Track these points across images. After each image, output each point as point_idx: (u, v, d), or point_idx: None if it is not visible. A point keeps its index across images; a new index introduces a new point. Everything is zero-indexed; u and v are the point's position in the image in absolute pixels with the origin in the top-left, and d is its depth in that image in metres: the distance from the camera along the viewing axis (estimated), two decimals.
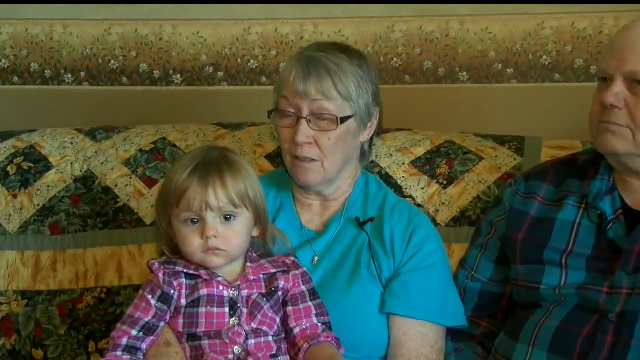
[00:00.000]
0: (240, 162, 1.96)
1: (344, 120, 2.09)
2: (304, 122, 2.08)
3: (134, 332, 1.90)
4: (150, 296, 1.91)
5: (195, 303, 1.90)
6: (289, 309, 1.97)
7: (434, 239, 2.16)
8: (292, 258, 2.03)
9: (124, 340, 1.90)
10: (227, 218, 1.91)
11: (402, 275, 2.09)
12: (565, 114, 2.89)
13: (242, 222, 1.93)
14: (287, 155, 2.14)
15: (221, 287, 1.91)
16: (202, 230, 1.90)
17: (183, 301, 1.91)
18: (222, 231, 1.90)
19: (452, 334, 2.16)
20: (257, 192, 1.96)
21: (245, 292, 1.92)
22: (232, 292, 1.91)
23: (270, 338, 1.92)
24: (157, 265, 1.93)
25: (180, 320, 1.91)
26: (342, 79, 2.08)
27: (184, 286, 1.91)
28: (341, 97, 2.08)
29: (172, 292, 1.91)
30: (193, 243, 1.91)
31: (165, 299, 1.90)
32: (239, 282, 1.93)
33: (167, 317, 1.92)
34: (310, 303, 1.98)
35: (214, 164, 1.92)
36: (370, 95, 2.14)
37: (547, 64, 2.94)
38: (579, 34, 2.91)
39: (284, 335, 1.96)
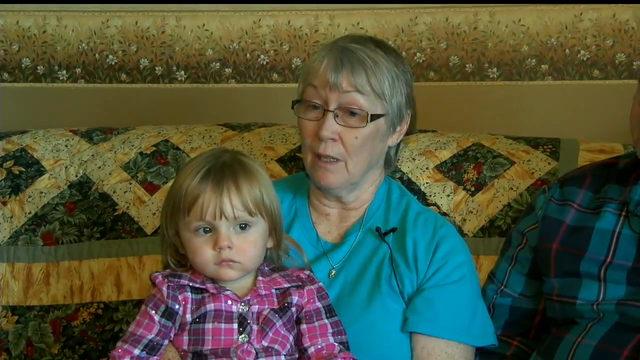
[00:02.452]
0: (255, 166, 1.97)
1: (374, 118, 2.10)
2: (330, 115, 2.09)
3: (136, 352, 1.91)
4: (154, 312, 1.92)
5: (201, 319, 1.91)
6: (303, 326, 1.98)
7: (461, 251, 2.16)
8: (307, 272, 2.04)
9: (127, 359, 1.91)
10: (242, 227, 1.92)
11: (426, 291, 2.10)
12: (605, 113, 2.89)
13: (257, 232, 1.94)
14: (308, 153, 2.15)
15: (229, 302, 1.92)
16: (214, 241, 1.91)
17: (188, 317, 1.92)
18: (237, 242, 1.91)
19: (481, 354, 2.16)
20: (272, 199, 1.97)
21: (255, 308, 1.93)
22: (241, 307, 1.93)
23: (282, 357, 1.93)
24: (160, 278, 1.94)
25: (185, 338, 1.92)
26: (376, 75, 2.09)
27: (190, 300, 1.92)
28: (374, 94, 2.09)
29: (177, 307, 1.92)
30: (205, 254, 1.92)
31: (169, 314, 1.91)
32: (249, 297, 1.94)
33: (172, 335, 1.93)
34: (326, 320, 1.99)
35: (228, 168, 1.93)
36: (403, 97, 2.15)
37: (585, 59, 2.94)
38: (620, 27, 2.92)
39: (297, 356, 1.97)
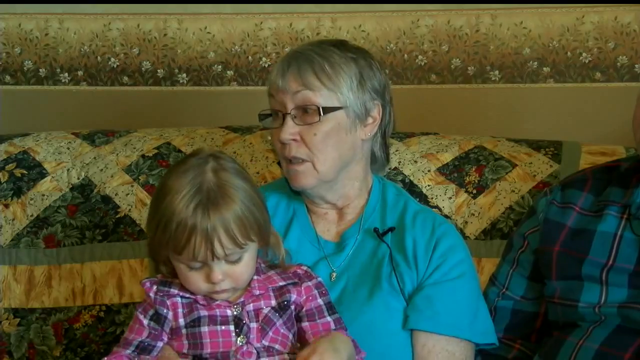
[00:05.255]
0: (236, 184, 1.91)
1: (327, 110, 2.10)
2: (288, 118, 2.11)
3: (127, 352, 1.92)
4: (142, 316, 1.93)
5: (195, 322, 1.91)
6: (306, 324, 1.98)
7: (461, 248, 2.17)
8: (305, 267, 2.03)
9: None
10: (235, 259, 1.91)
11: (426, 289, 2.10)
12: (607, 116, 2.89)
13: (249, 256, 1.92)
14: (282, 161, 2.17)
15: (222, 307, 1.93)
16: (207, 275, 1.89)
17: (181, 321, 1.91)
18: (229, 271, 1.90)
19: (482, 356, 2.17)
20: (259, 212, 1.92)
21: (250, 306, 1.93)
22: (234, 309, 1.93)
23: (286, 356, 1.93)
24: (148, 284, 1.94)
25: (185, 342, 1.91)
26: (325, 69, 2.11)
27: (179, 305, 1.92)
28: (325, 88, 2.11)
29: (165, 311, 1.92)
30: (197, 285, 1.90)
31: (157, 318, 1.92)
32: (242, 299, 1.93)
33: (164, 338, 1.93)
34: (329, 318, 1.99)
35: (213, 204, 1.86)
36: (366, 90, 2.15)
37: (587, 62, 2.94)
38: (622, 29, 2.92)
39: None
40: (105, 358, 1.93)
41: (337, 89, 2.11)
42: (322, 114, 2.10)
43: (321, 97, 2.11)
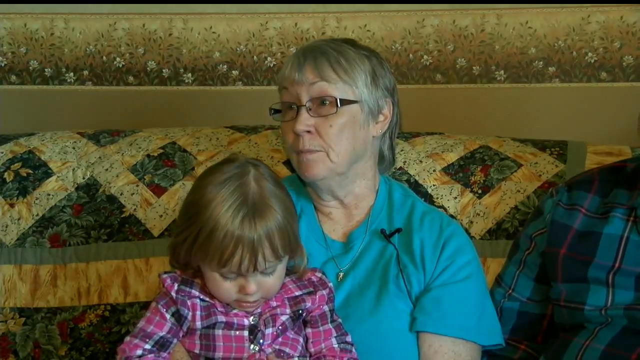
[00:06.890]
0: (276, 193, 1.91)
1: (344, 103, 2.11)
2: (303, 109, 2.11)
3: (147, 347, 1.90)
4: (165, 310, 1.91)
5: (211, 325, 1.91)
6: (308, 330, 1.98)
7: (468, 249, 2.16)
8: (319, 274, 2.03)
9: (139, 351, 1.90)
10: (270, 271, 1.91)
11: (434, 290, 2.09)
12: (613, 116, 2.89)
13: (281, 267, 1.92)
14: (292, 154, 2.16)
15: (240, 315, 1.92)
16: (241, 286, 1.88)
17: (198, 324, 1.91)
18: (262, 283, 1.89)
19: (488, 357, 2.16)
20: (293, 223, 1.92)
21: (267, 315, 1.93)
22: (252, 319, 1.92)
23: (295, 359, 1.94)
24: (169, 281, 1.93)
25: (197, 341, 1.91)
26: (341, 62, 2.11)
27: (198, 307, 1.92)
28: (341, 80, 2.11)
29: (186, 312, 1.91)
30: (229, 294, 1.89)
31: (179, 316, 1.91)
32: (259, 310, 1.93)
33: (180, 335, 1.92)
34: (330, 325, 1.99)
35: (259, 215, 1.85)
36: (379, 87, 2.16)
37: (592, 61, 2.94)
38: (628, 29, 2.91)
39: (309, 356, 1.97)
40: (123, 346, 1.90)
41: (352, 82, 2.12)
42: (339, 105, 2.10)
43: (337, 90, 2.11)
